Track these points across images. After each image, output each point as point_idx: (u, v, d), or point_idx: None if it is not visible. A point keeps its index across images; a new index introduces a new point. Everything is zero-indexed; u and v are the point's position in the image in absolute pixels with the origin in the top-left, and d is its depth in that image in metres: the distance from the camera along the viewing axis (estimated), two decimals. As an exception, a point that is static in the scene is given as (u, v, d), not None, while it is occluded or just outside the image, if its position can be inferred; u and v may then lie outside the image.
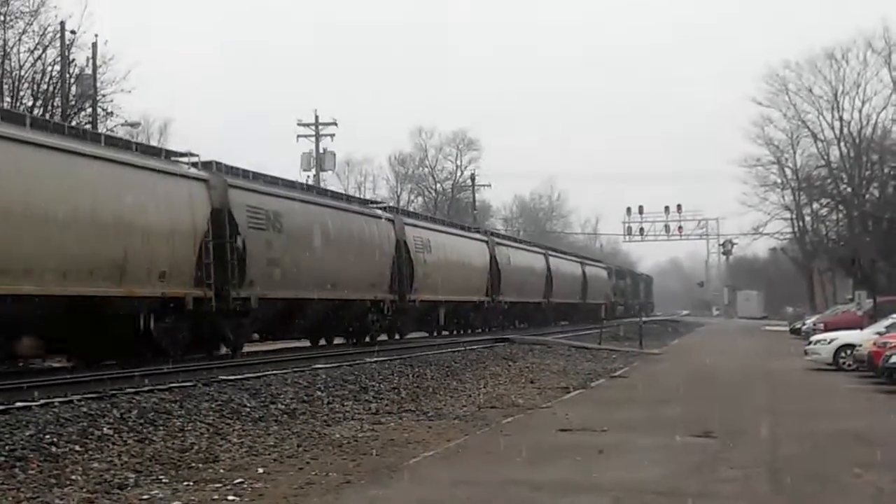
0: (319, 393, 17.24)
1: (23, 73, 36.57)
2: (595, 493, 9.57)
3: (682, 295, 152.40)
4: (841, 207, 64.33)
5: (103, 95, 37.94)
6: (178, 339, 23.39)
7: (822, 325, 39.80)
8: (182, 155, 25.44)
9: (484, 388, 20.62)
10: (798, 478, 10.23)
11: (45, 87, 36.83)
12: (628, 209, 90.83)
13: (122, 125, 40.43)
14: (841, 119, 64.47)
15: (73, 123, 32.60)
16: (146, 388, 15.35)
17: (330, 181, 65.48)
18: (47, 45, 36.58)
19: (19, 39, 36.32)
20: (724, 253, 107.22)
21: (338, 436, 13.23)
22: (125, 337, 21.80)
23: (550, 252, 63.65)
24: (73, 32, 36.16)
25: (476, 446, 12.60)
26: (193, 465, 10.84)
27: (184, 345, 23.70)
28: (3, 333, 18.89)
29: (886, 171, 59.57)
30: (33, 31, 36.39)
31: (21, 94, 36.50)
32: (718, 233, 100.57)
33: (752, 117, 70.41)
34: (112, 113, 38.78)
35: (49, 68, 36.80)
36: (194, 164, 25.28)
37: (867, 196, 61.72)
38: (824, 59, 64.41)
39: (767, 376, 25.12)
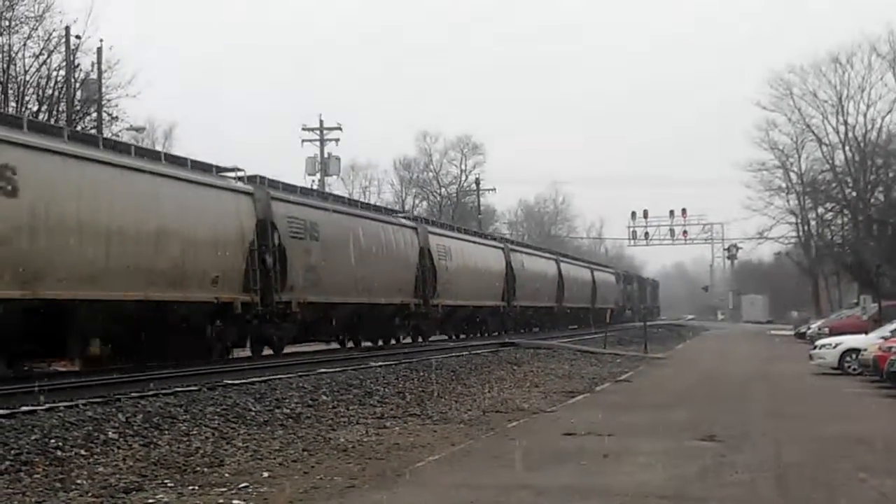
0: (324, 397, 17.25)
1: (28, 78, 36.74)
2: (600, 498, 9.55)
3: (687, 299, 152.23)
4: (846, 212, 64.33)
5: (108, 100, 38.06)
6: (229, 340, 25.69)
7: (827, 329, 39.84)
8: (229, 170, 27.31)
9: (489, 392, 20.60)
10: (803, 482, 10.23)
11: (50, 91, 36.97)
12: (633, 213, 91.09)
13: (127, 130, 40.55)
14: (846, 123, 64.51)
15: (78, 128, 32.69)
16: (151, 393, 15.37)
17: (335, 186, 65.67)
18: (52, 50, 36.76)
19: (24, 44, 36.50)
20: (729, 257, 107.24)
21: (343, 440, 13.22)
22: (183, 339, 23.68)
23: (562, 258, 65.32)
24: (77, 37, 36.29)
25: (481, 450, 12.59)
26: (199, 469, 10.84)
27: (233, 346, 26.05)
28: (82, 337, 20.63)
29: (891, 175, 59.62)
30: (38, 36, 36.58)
31: (26, 99, 36.64)
32: (723, 237, 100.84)
33: (757, 121, 70.51)
34: (117, 118, 38.93)
35: (54, 73, 37.02)
36: (240, 178, 27.37)
37: (872, 200, 61.70)
38: (829, 63, 64.53)
39: (772, 380, 25.11)
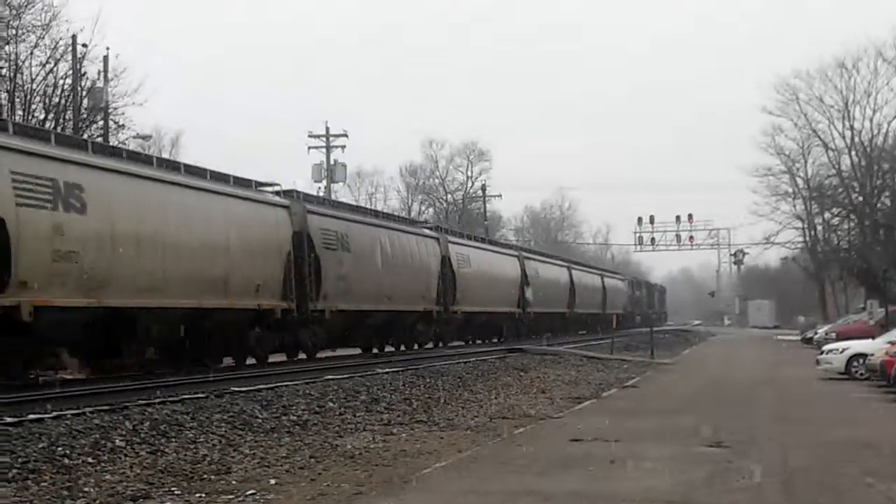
0: (331, 404, 17.27)
1: (35, 86, 36.84)
2: (607, 504, 9.57)
3: (694, 305, 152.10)
4: (852, 217, 64.15)
5: (115, 108, 38.15)
6: (268, 345, 27.35)
7: (833, 334, 39.69)
8: (267, 185, 29.08)
9: (496, 398, 20.62)
10: (810, 487, 10.22)
11: (57, 100, 37.06)
12: (639, 219, 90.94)
13: (134, 138, 40.68)
14: (852, 128, 64.32)
15: (85, 136, 32.76)
16: (158, 400, 15.39)
17: (341, 193, 65.79)
18: (59, 59, 36.86)
19: (31, 53, 36.56)
20: (735, 263, 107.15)
21: (350, 447, 13.24)
22: (226, 344, 25.77)
23: (573, 265, 66.94)
24: (84, 46, 36.39)
25: (488, 457, 12.60)
26: (206, 476, 10.86)
27: (272, 350, 27.78)
28: (138, 342, 22.24)
29: (898, 180, 59.50)
30: (45, 44, 36.64)
31: (33, 107, 36.72)
32: (730, 242, 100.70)
33: (763, 127, 70.43)
34: (124, 126, 39.06)
35: (61, 81, 37.08)
36: (276, 193, 29.22)
37: (879, 205, 61.54)
38: (835, 68, 64.33)
39: (779, 386, 25.08)
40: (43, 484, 10.00)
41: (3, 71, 35.87)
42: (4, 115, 31.51)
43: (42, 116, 36.24)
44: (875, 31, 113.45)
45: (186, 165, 25.71)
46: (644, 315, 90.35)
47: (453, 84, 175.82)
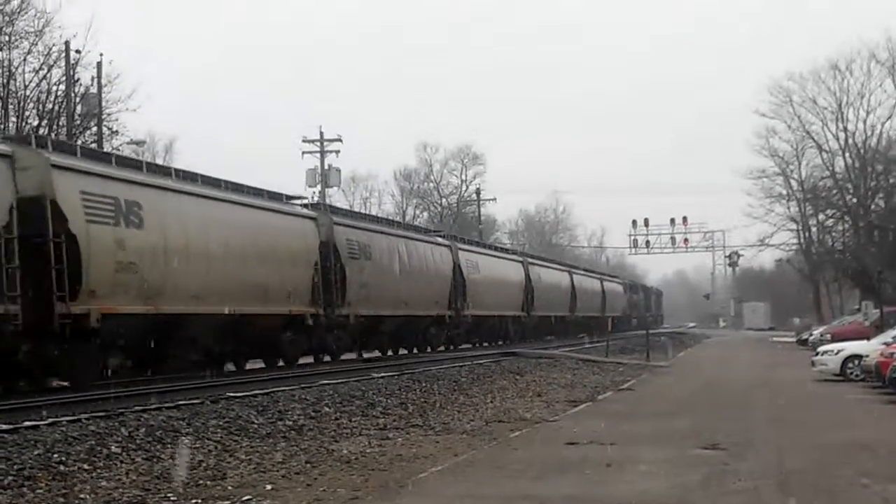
0: (327, 409, 17.25)
1: (28, 92, 36.76)
2: (603, 507, 9.57)
3: (689, 307, 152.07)
4: (847, 218, 64.24)
5: (108, 114, 38.10)
6: (298, 348, 29.51)
7: (828, 335, 39.74)
8: (295, 198, 31.90)
9: (491, 402, 20.62)
10: (806, 489, 10.22)
11: (50, 106, 37.00)
12: (634, 222, 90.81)
13: (128, 144, 40.61)
14: (846, 130, 64.38)
15: (79, 143, 32.73)
16: (154, 406, 15.38)
17: (335, 197, 65.78)
18: (52, 65, 36.78)
19: (24, 59, 36.52)
20: (730, 265, 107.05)
21: (346, 451, 13.23)
22: (261, 346, 28.02)
23: (574, 270, 69.49)
24: (77, 52, 36.34)
25: (484, 461, 12.59)
26: (201, 482, 10.85)
27: (301, 353, 29.91)
28: (184, 345, 23.97)
29: (892, 181, 59.53)
30: (38, 51, 36.60)
31: (27, 113, 36.67)
32: (724, 244, 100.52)
33: (757, 129, 70.41)
34: (117, 132, 39.00)
35: (54, 88, 37.04)
36: (304, 205, 32.34)
37: (873, 206, 61.61)
38: (828, 69, 64.37)
39: (775, 387, 25.09)
40: (38, 491, 9.99)
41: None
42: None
43: (35, 123, 36.18)
44: (868, 34, 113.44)
45: (227, 182, 27.37)
46: (641, 318, 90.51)
47: (451, 85, 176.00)
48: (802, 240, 73.91)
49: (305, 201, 31.60)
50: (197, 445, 12.99)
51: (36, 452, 11.36)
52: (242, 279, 25.61)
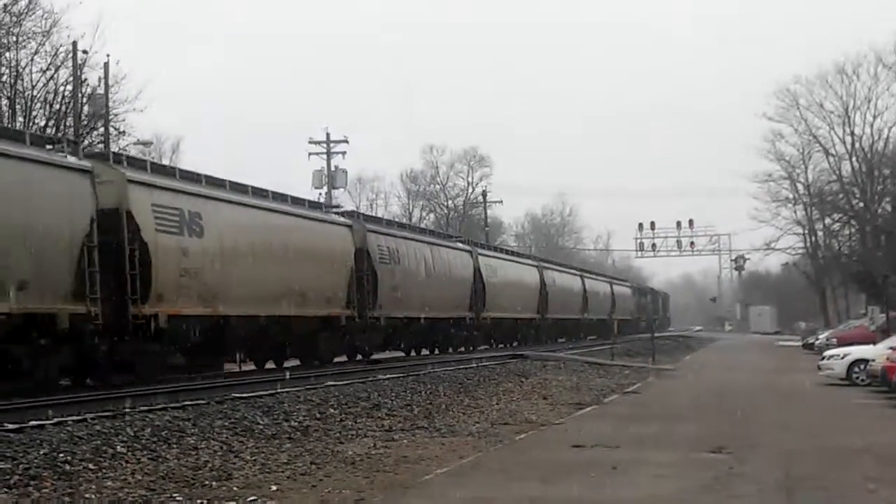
0: (332, 410, 17.25)
1: (35, 93, 36.71)
2: (609, 510, 9.56)
3: (695, 310, 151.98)
4: (853, 222, 64.17)
5: (115, 115, 38.09)
6: (333, 348, 31.21)
7: (834, 340, 39.68)
8: (332, 207, 35.00)
9: (497, 404, 20.61)
10: (812, 493, 10.21)
11: (57, 106, 37.00)
12: (640, 225, 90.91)
13: (135, 144, 40.62)
14: (852, 134, 64.37)
15: (86, 143, 32.75)
16: (159, 406, 15.38)
17: (342, 199, 65.67)
18: (59, 65, 36.73)
19: (32, 60, 36.47)
20: (736, 268, 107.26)
21: (351, 453, 13.21)
22: (300, 346, 29.57)
23: (586, 274, 70.89)
24: (85, 52, 36.26)
25: (489, 463, 12.59)
26: (207, 483, 10.84)
27: (336, 353, 31.59)
28: (235, 345, 26.83)
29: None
30: (45, 51, 36.55)
31: (34, 114, 36.66)
32: (731, 248, 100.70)
33: (763, 133, 70.35)
34: (124, 132, 38.97)
35: (61, 88, 36.96)
36: (340, 214, 34.53)
37: (879, 211, 61.58)
38: (835, 74, 64.40)
39: (780, 391, 25.07)
40: (44, 490, 9.98)
41: (4, 78, 35.90)
42: (5, 123, 31.49)
43: (42, 123, 36.20)
44: (875, 37, 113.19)
45: (273, 192, 29.11)
46: (649, 320, 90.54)
47: (458, 87, 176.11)
48: (809, 244, 73.89)
49: (342, 209, 34.14)
50: (202, 446, 12.99)
51: (42, 452, 11.36)
52: (287, 283, 27.32)
